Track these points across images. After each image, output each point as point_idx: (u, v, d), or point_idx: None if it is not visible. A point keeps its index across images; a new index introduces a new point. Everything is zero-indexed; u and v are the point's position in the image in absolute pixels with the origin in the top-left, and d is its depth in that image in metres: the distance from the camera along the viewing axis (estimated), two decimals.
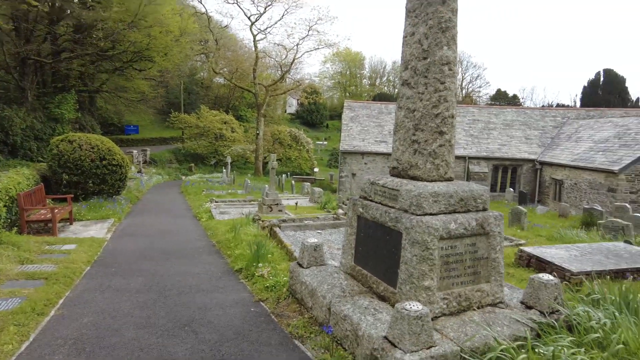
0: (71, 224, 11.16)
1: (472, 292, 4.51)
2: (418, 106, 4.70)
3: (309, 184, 21.57)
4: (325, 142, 55.59)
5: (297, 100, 57.91)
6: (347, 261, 5.56)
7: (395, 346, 3.71)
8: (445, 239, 4.33)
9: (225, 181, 25.35)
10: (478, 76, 76.13)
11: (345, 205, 14.89)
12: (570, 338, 4.05)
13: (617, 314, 4.49)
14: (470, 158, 26.94)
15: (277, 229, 9.24)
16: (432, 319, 4.25)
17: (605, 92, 47.67)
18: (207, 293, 6.26)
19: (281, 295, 5.87)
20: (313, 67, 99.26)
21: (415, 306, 3.74)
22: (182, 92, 45.51)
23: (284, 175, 27.65)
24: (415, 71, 4.73)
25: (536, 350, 3.89)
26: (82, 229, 10.69)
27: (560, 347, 3.71)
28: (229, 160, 28.76)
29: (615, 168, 20.04)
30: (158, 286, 6.57)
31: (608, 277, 6.13)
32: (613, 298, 4.91)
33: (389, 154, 26.13)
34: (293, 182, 24.54)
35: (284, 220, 10.55)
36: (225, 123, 37.83)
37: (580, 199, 22.45)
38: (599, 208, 15.52)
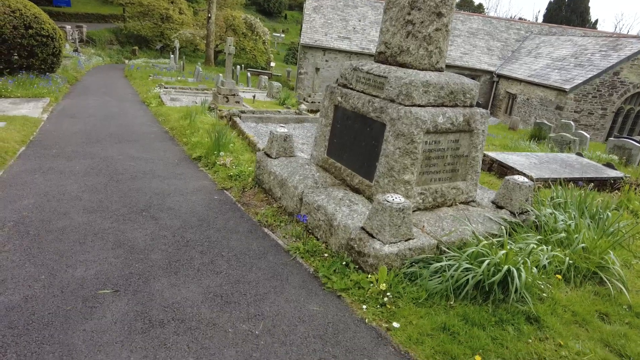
0: None
1: (449, 189, 4.43)
2: None
3: (266, 77, 20.36)
4: (283, 35, 51.94)
5: None
6: (319, 153, 5.25)
7: (373, 237, 3.61)
8: (431, 133, 4.07)
9: (174, 68, 23.31)
10: None
11: (307, 102, 14.28)
12: (538, 237, 4.17)
13: (577, 216, 4.68)
14: None
15: (237, 119, 8.63)
16: None
17: (568, 10, 47.27)
18: (164, 179, 5.81)
19: (246, 185, 5.56)
20: None
21: (397, 198, 3.57)
22: None
23: (238, 67, 25.84)
24: None
25: (508, 247, 3.98)
26: (12, 106, 9.39)
27: (531, 244, 3.80)
28: (177, 45, 26.16)
29: (567, 87, 20.59)
30: (108, 170, 6.00)
31: (565, 184, 6.39)
32: (573, 202, 5.10)
33: (352, 52, 24.94)
34: (249, 74, 23.07)
35: (243, 112, 9.88)
36: (172, 2, 33.68)
37: (529, 114, 23.28)
38: (548, 123, 16.15)
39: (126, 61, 27.24)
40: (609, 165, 8.02)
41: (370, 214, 3.69)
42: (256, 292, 3.35)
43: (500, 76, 26.53)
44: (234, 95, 12.62)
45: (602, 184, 7.25)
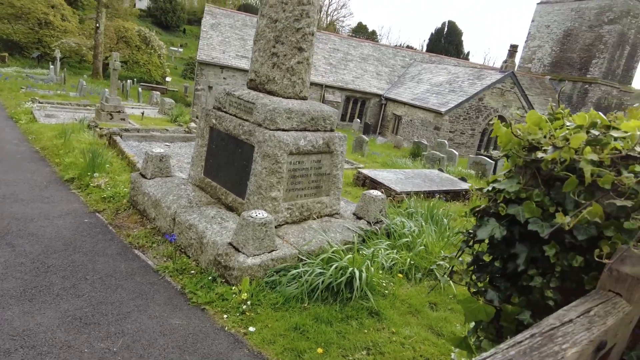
0: None
1: (314, 203, 4.92)
2: (280, 17, 4.55)
3: (158, 93, 19.69)
4: (181, 49, 50.53)
5: None
6: (197, 173, 5.42)
7: (239, 251, 3.90)
8: (295, 154, 4.53)
9: (54, 80, 21.38)
10: (344, 5, 77.05)
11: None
12: (387, 242, 4.84)
13: (423, 223, 5.50)
14: (327, 86, 27.95)
15: (117, 138, 8.34)
16: (277, 227, 4.54)
17: (446, 41, 53.59)
18: (29, 203, 5.45)
19: (120, 207, 5.48)
20: None
21: (260, 214, 3.92)
22: None
23: (129, 81, 24.58)
24: None
25: (360, 252, 4.55)
26: None
27: (378, 249, 4.42)
28: (58, 55, 24.06)
29: (443, 109, 23.33)
30: None
31: (423, 196, 7.38)
32: (423, 212, 5.96)
33: None
34: (140, 89, 22.07)
35: (126, 130, 9.56)
36: (53, 7, 30.93)
37: (412, 133, 25.76)
38: (425, 142, 18.17)
39: None
40: (462, 179, 9.40)
41: (236, 229, 3.98)
42: (119, 312, 3.41)
43: (387, 99, 28.97)
44: (119, 112, 12.09)
45: (456, 195, 8.48)
